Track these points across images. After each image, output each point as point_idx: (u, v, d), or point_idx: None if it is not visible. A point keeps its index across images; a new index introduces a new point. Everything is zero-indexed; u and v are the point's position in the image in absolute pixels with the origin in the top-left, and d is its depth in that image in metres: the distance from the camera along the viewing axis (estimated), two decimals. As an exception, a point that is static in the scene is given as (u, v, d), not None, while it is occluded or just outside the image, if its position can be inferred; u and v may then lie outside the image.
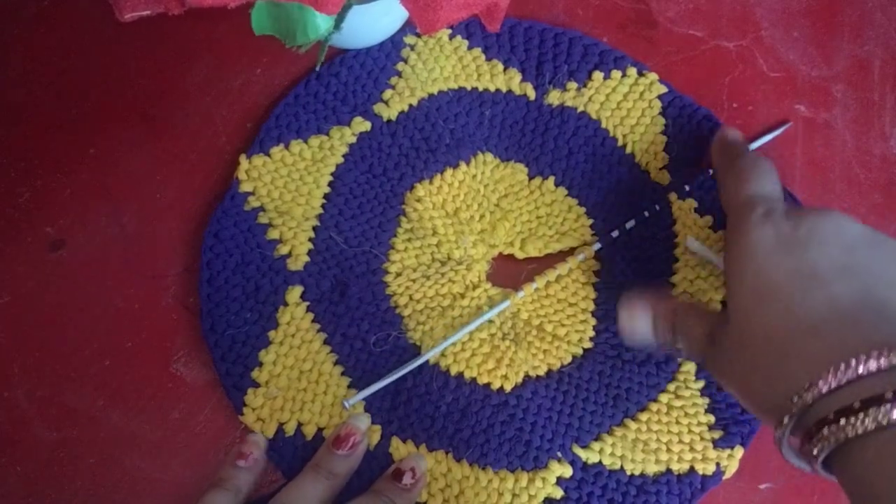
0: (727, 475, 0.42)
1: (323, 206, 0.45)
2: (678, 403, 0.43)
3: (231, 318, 0.44)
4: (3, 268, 0.45)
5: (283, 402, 0.43)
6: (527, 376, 0.43)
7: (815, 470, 0.31)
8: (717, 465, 0.42)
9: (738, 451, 0.42)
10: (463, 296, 0.45)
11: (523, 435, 0.42)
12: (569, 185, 0.46)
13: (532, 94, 0.47)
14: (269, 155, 0.46)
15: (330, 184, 0.46)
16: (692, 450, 0.42)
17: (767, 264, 0.34)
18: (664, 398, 0.43)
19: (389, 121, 0.47)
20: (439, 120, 0.46)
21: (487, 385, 0.43)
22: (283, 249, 0.45)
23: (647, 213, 0.45)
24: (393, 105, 0.47)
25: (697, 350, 0.38)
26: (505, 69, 0.47)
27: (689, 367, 0.43)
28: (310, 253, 0.45)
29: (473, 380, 0.43)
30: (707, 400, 0.43)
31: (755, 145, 0.46)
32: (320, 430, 0.43)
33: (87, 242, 0.46)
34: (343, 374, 0.43)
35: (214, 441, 0.43)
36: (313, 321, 0.44)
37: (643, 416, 0.43)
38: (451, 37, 0.48)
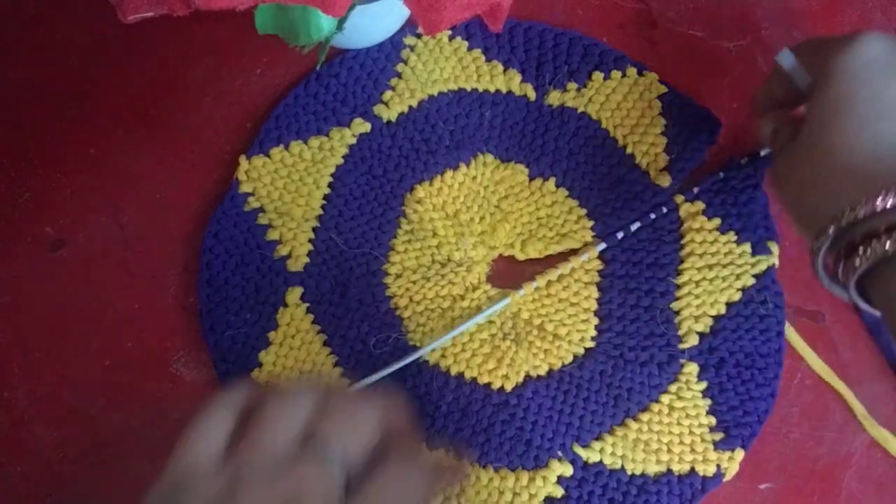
0: (727, 477, 0.42)
1: (323, 207, 0.45)
2: (680, 404, 0.43)
3: (231, 319, 0.43)
4: (3, 268, 0.45)
5: (283, 402, 0.43)
6: (527, 376, 0.43)
7: (846, 288, 0.32)
8: (718, 466, 0.42)
9: (739, 454, 0.42)
10: (463, 297, 0.44)
11: (524, 434, 0.42)
12: (569, 187, 0.46)
13: (532, 95, 0.47)
14: (268, 156, 0.46)
15: (330, 185, 0.46)
16: (693, 451, 0.42)
17: (873, 76, 0.34)
18: (666, 399, 0.43)
19: (389, 122, 0.46)
20: (439, 121, 0.46)
21: (488, 385, 0.43)
22: (283, 250, 0.45)
23: (653, 216, 0.45)
24: (393, 106, 0.46)
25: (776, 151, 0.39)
26: (505, 70, 0.47)
27: (691, 369, 0.43)
28: (310, 254, 0.45)
29: (474, 380, 0.43)
30: (709, 402, 0.43)
31: (763, 153, 0.45)
32: (320, 430, 0.43)
33: (87, 242, 0.45)
34: (343, 375, 0.43)
35: (214, 441, 0.43)
36: (313, 322, 0.44)
37: (644, 417, 0.43)
38: (451, 38, 0.47)
